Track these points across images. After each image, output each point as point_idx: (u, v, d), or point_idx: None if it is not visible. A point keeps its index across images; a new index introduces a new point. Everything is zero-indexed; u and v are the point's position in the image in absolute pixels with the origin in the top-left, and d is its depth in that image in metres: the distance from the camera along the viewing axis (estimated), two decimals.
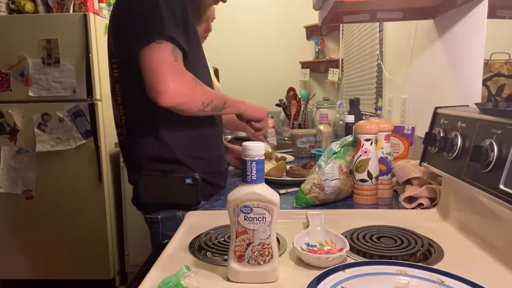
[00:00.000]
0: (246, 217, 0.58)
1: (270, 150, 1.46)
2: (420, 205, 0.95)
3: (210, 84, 1.23)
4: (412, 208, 0.96)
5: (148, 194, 1.14)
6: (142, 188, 1.14)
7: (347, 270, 0.57)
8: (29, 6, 2.52)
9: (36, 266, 2.58)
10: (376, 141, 1.04)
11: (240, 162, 0.66)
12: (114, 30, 1.12)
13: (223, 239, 0.76)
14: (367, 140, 0.99)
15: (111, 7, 2.73)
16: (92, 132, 2.43)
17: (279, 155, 1.68)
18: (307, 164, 1.38)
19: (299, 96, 3.40)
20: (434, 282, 0.55)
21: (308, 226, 0.78)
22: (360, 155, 1.00)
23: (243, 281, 0.60)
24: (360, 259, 0.67)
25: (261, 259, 0.59)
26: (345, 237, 0.72)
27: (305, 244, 0.72)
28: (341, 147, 1.04)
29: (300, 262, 0.66)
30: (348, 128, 1.44)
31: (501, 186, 0.61)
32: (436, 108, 0.91)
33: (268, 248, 0.59)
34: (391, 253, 0.68)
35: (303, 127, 2.96)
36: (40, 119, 2.45)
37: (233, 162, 1.46)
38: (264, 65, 3.56)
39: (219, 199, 1.15)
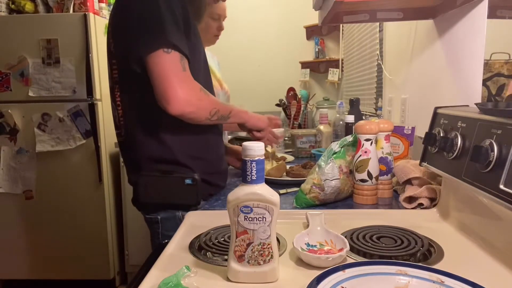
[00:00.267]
0: (246, 217, 0.58)
1: (270, 150, 1.46)
2: (420, 205, 0.95)
3: (210, 83, 1.24)
4: (412, 208, 0.96)
5: (148, 194, 1.14)
6: (142, 189, 1.14)
7: (347, 270, 0.57)
8: (29, 6, 2.52)
9: (36, 266, 2.58)
10: (376, 141, 1.04)
11: (240, 162, 0.66)
12: (114, 31, 1.12)
13: (223, 239, 0.76)
14: (367, 140, 0.99)
15: (111, 7, 2.73)
16: (92, 132, 2.43)
17: (279, 155, 1.68)
18: (307, 164, 1.38)
19: (299, 96, 3.40)
20: (434, 282, 0.55)
21: (308, 226, 0.78)
22: (360, 155, 1.00)
23: (243, 281, 0.60)
24: (360, 259, 0.67)
25: (261, 259, 0.59)
26: (345, 237, 0.72)
27: (305, 244, 0.72)
28: (341, 147, 1.04)
29: (300, 262, 0.66)
30: (348, 128, 1.44)
31: (501, 186, 0.61)
32: (436, 108, 0.91)
33: (268, 248, 0.59)
34: (391, 253, 0.68)
35: (303, 127, 2.95)
36: (40, 119, 2.45)
37: (233, 163, 1.46)
38: (264, 65, 3.56)
39: (219, 199, 1.15)
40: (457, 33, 1.13)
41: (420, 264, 0.61)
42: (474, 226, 0.76)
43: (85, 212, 2.51)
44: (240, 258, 0.60)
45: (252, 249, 0.59)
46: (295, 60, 3.60)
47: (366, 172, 0.99)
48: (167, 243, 0.78)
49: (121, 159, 2.53)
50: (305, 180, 1.04)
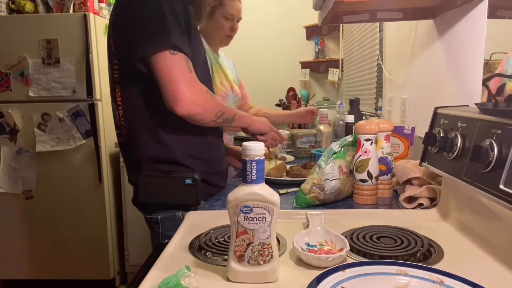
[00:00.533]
0: (246, 217, 0.58)
1: (271, 150, 1.46)
2: (420, 205, 0.95)
3: (210, 84, 1.24)
4: (412, 208, 0.96)
5: (148, 194, 1.14)
6: (142, 188, 1.14)
7: (347, 270, 0.57)
8: (29, 6, 2.52)
9: (36, 266, 2.58)
10: (376, 141, 1.04)
11: (240, 163, 0.66)
12: (115, 31, 1.12)
13: (223, 239, 0.76)
14: (367, 140, 0.99)
15: (111, 7, 2.73)
16: (92, 132, 2.43)
17: (279, 155, 1.68)
18: (307, 164, 1.38)
19: (299, 96, 3.40)
20: (434, 282, 0.55)
21: (308, 226, 0.78)
22: (360, 155, 1.00)
23: (243, 281, 0.60)
24: (360, 259, 0.67)
25: (261, 259, 0.59)
26: (345, 237, 0.72)
27: (305, 244, 0.72)
28: (341, 147, 1.04)
29: (300, 262, 0.66)
30: (348, 128, 1.44)
31: (501, 186, 0.61)
32: (436, 108, 0.91)
33: (268, 248, 0.59)
34: (391, 253, 0.68)
35: (303, 127, 2.96)
36: (40, 119, 2.45)
37: (233, 163, 1.46)
38: (264, 65, 3.56)
39: (219, 199, 1.15)
40: (457, 33, 1.13)
41: (420, 264, 0.61)
42: (474, 226, 0.76)
43: (85, 212, 2.51)
44: (240, 258, 0.60)
45: (252, 249, 0.59)
46: (295, 60, 3.60)
47: (366, 172, 0.99)
48: (167, 243, 0.78)
49: (121, 159, 2.53)
50: (305, 180, 1.04)
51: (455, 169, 0.76)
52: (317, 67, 3.57)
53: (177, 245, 0.76)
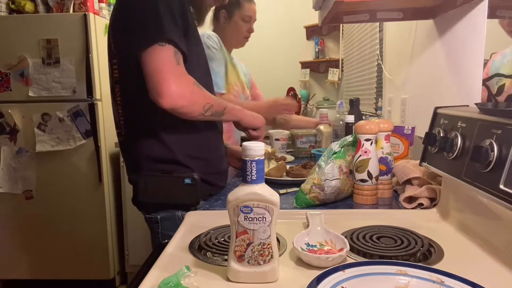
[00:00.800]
0: (246, 217, 0.58)
1: (270, 150, 1.46)
2: (420, 205, 0.95)
3: (209, 84, 1.23)
4: (412, 208, 0.96)
5: (147, 194, 1.14)
6: (142, 188, 1.14)
7: (347, 270, 0.57)
8: (29, 6, 2.52)
9: (36, 266, 2.58)
10: (376, 141, 1.04)
11: (240, 163, 0.66)
12: (115, 31, 1.12)
13: (223, 239, 0.76)
14: (367, 140, 0.99)
15: (111, 7, 2.73)
16: (92, 132, 2.43)
17: (279, 155, 1.68)
18: (307, 164, 1.38)
19: (299, 96, 3.40)
20: (434, 282, 0.55)
21: (308, 226, 0.78)
22: (360, 155, 1.00)
23: (243, 281, 0.60)
24: (360, 259, 0.67)
25: (261, 259, 0.59)
26: (345, 237, 0.72)
27: (305, 244, 0.72)
28: (341, 147, 1.04)
29: (300, 262, 0.66)
30: (348, 128, 1.44)
31: (501, 186, 0.61)
32: (436, 108, 0.91)
33: (268, 248, 0.59)
34: (391, 253, 0.68)
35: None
36: (40, 119, 2.45)
37: (233, 163, 1.46)
38: (264, 65, 3.57)
39: (219, 199, 1.15)
40: (457, 33, 1.13)
41: (420, 264, 0.61)
42: (474, 226, 0.76)
43: (85, 212, 2.51)
44: (240, 258, 0.60)
45: (252, 249, 0.59)
46: (295, 60, 3.60)
47: (366, 172, 0.99)
48: (167, 243, 0.78)
49: (121, 159, 2.53)
50: (305, 180, 1.04)
51: (455, 169, 0.76)
52: (317, 67, 3.57)
53: (177, 245, 0.76)
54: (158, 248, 0.80)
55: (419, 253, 0.68)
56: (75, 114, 2.44)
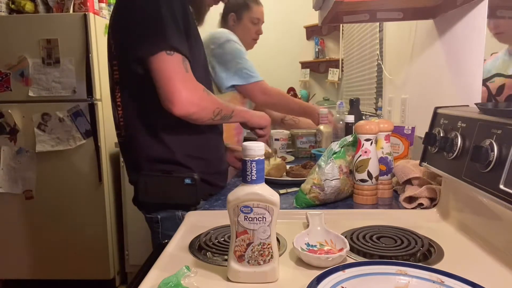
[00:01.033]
0: (246, 217, 0.58)
1: (270, 150, 1.45)
2: (420, 205, 0.95)
3: (209, 84, 1.24)
4: (412, 208, 0.96)
5: (148, 194, 1.14)
6: (142, 188, 1.14)
7: (347, 270, 0.57)
8: (29, 6, 2.53)
9: (36, 266, 2.58)
10: (376, 141, 1.04)
11: (240, 163, 0.66)
12: (115, 32, 1.12)
13: (223, 239, 0.76)
14: (367, 140, 0.99)
15: (111, 7, 2.73)
16: (92, 132, 2.44)
17: (279, 155, 1.68)
18: (307, 164, 1.37)
19: (299, 96, 3.40)
20: (434, 282, 0.55)
21: (308, 226, 0.78)
22: (360, 155, 1.00)
23: (243, 281, 0.60)
24: (360, 259, 0.67)
25: (261, 259, 0.59)
26: (345, 237, 0.72)
27: (305, 244, 0.72)
28: (341, 147, 1.04)
29: (300, 262, 0.66)
30: (348, 128, 1.44)
31: (501, 186, 0.61)
32: (436, 108, 0.91)
33: (268, 248, 0.59)
34: (391, 253, 0.68)
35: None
36: (40, 119, 2.45)
37: (233, 163, 1.46)
38: (264, 65, 3.56)
39: (219, 199, 1.15)
40: (457, 33, 1.13)
41: (420, 264, 0.61)
42: (474, 226, 0.76)
43: (85, 212, 2.51)
44: (240, 258, 0.60)
45: (252, 249, 0.59)
46: (295, 60, 3.60)
47: (366, 172, 0.99)
48: (167, 243, 0.78)
49: (121, 159, 2.53)
50: (305, 180, 1.04)
51: (455, 169, 0.76)
52: (317, 67, 3.57)
53: (177, 245, 0.76)
54: (158, 248, 0.80)
55: (419, 253, 0.68)
56: (75, 114, 2.44)
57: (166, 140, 1.12)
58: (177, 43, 1.02)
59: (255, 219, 0.58)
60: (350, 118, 1.46)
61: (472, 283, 0.53)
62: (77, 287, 2.64)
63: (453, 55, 1.16)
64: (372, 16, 1.25)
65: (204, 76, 1.19)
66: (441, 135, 0.83)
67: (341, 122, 1.69)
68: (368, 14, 1.25)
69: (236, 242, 0.59)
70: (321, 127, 1.73)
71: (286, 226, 0.83)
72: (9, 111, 2.45)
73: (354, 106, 1.82)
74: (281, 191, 1.15)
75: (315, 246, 0.72)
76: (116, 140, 1.23)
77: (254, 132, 1.31)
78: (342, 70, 3.44)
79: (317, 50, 3.54)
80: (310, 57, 3.60)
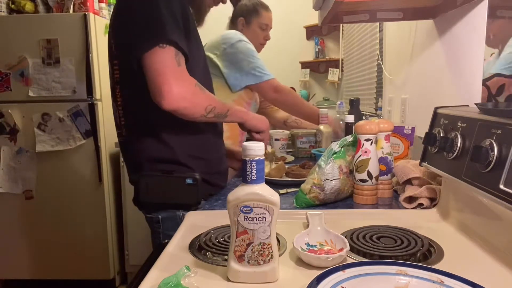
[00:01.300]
0: (246, 217, 0.58)
1: (270, 150, 1.45)
2: (420, 205, 0.95)
3: (209, 85, 1.23)
4: (412, 208, 0.96)
5: (148, 194, 1.14)
6: (143, 188, 1.14)
7: (347, 270, 0.57)
8: (29, 6, 2.53)
9: (36, 266, 2.58)
10: (376, 141, 1.04)
11: (239, 164, 0.66)
12: (115, 32, 1.12)
13: (223, 239, 0.76)
14: (367, 140, 0.99)
15: (111, 7, 2.73)
16: (92, 132, 2.44)
17: (279, 155, 1.68)
18: (305, 164, 1.37)
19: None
20: (434, 282, 0.55)
21: (308, 226, 0.78)
22: (360, 155, 1.00)
23: (243, 281, 0.60)
24: (360, 259, 0.67)
25: (261, 259, 0.59)
26: (345, 237, 0.72)
27: (305, 244, 0.72)
28: (341, 147, 1.04)
29: (300, 262, 0.66)
30: (348, 128, 1.44)
31: (501, 186, 0.61)
32: (436, 108, 0.91)
33: (268, 248, 0.59)
34: (391, 253, 0.68)
35: None
36: (40, 119, 2.45)
37: (230, 163, 1.45)
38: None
39: (219, 199, 1.15)
40: (457, 33, 1.13)
41: (420, 264, 0.61)
42: (474, 226, 0.76)
43: (85, 212, 2.51)
44: (240, 258, 0.60)
45: (252, 249, 0.59)
46: (295, 60, 3.60)
47: (366, 172, 0.99)
48: (167, 243, 0.78)
49: (121, 159, 2.53)
50: (305, 180, 1.04)
51: (455, 169, 0.76)
52: (317, 67, 3.57)
53: (177, 245, 0.76)
54: (158, 248, 0.80)
55: (419, 253, 0.68)
56: (75, 114, 2.44)
57: (167, 140, 1.12)
58: (172, 36, 1.00)
59: (255, 219, 0.58)
60: (350, 118, 1.46)
61: (472, 283, 0.53)
62: (77, 287, 2.64)
63: (453, 55, 1.16)
64: (372, 16, 1.25)
65: (204, 76, 1.19)
66: (441, 135, 0.83)
67: (341, 122, 1.69)
68: (368, 14, 1.25)
69: (236, 242, 0.59)
70: (321, 127, 1.73)
71: (286, 226, 0.83)
72: (9, 111, 2.45)
73: (354, 106, 1.82)
74: (281, 191, 1.15)
75: (315, 246, 0.72)
76: (116, 140, 1.22)
77: (250, 135, 1.29)
78: (342, 70, 3.44)
79: (317, 50, 3.54)
80: (310, 57, 3.60)
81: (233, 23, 1.90)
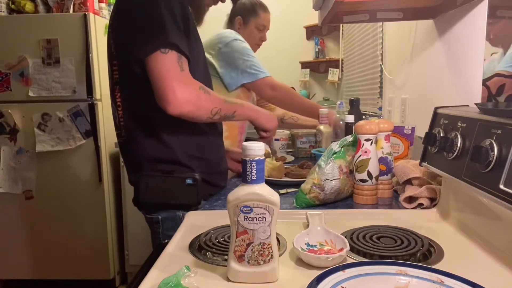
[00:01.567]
0: (246, 217, 0.58)
1: (269, 150, 1.46)
2: (420, 205, 0.95)
3: (209, 84, 1.23)
4: (412, 208, 0.96)
5: (148, 194, 1.14)
6: (143, 188, 1.14)
7: (347, 270, 0.57)
8: (29, 6, 2.52)
9: (36, 266, 2.58)
10: (376, 141, 1.04)
11: (238, 165, 0.66)
12: (115, 32, 1.12)
13: (223, 239, 0.76)
14: (367, 140, 0.99)
15: (111, 7, 2.73)
16: (92, 132, 2.44)
17: (279, 155, 1.68)
18: (304, 164, 1.37)
19: None
20: (434, 282, 0.55)
21: (308, 226, 0.78)
22: (360, 155, 1.00)
23: (243, 281, 0.60)
24: (360, 259, 0.67)
25: (261, 259, 0.59)
26: (345, 237, 0.72)
27: (305, 244, 0.72)
28: (341, 147, 1.04)
29: (300, 262, 0.66)
30: (348, 128, 1.44)
31: (501, 186, 0.61)
32: (436, 108, 0.91)
33: (268, 248, 0.59)
34: (391, 253, 0.68)
35: None
36: (40, 119, 2.45)
37: (230, 165, 1.45)
38: (264, 65, 3.55)
39: (219, 199, 1.15)
40: (457, 33, 1.13)
41: (420, 264, 0.61)
42: (474, 226, 0.76)
43: (85, 212, 2.51)
44: (240, 258, 0.60)
45: (252, 249, 0.59)
46: (295, 60, 3.60)
47: (366, 172, 0.99)
48: (167, 243, 0.78)
49: (121, 159, 2.53)
50: (305, 180, 1.04)
51: (455, 169, 0.76)
52: (317, 67, 3.57)
53: (177, 245, 0.76)
54: (158, 248, 0.80)
55: (419, 253, 0.68)
56: (75, 114, 2.44)
57: (167, 140, 1.12)
58: (174, 40, 1.01)
59: (255, 219, 0.58)
60: (350, 118, 1.46)
61: (472, 283, 0.53)
62: (77, 287, 2.64)
63: (453, 55, 1.16)
64: (372, 16, 1.25)
65: (204, 76, 1.19)
66: (441, 135, 0.83)
67: (341, 122, 1.69)
68: (368, 14, 1.25)
69: (236, 242, 0.59)
70: (321, 127, 1.73)
71: (286, 226, 0.83)
72: (9, 111, 2.45)
73: (354, 106, 1.81)
74: (281, 191, 1.15)
75: (315, 246, 0.72)
76: (116, 140, 1.22)
77: (258, 132, 1.30)
78: (342, 70, 3.44)
79: (317, 50, 3.54)
80: (310, 57, 3.60)
81: (231, 21, 1.90)
